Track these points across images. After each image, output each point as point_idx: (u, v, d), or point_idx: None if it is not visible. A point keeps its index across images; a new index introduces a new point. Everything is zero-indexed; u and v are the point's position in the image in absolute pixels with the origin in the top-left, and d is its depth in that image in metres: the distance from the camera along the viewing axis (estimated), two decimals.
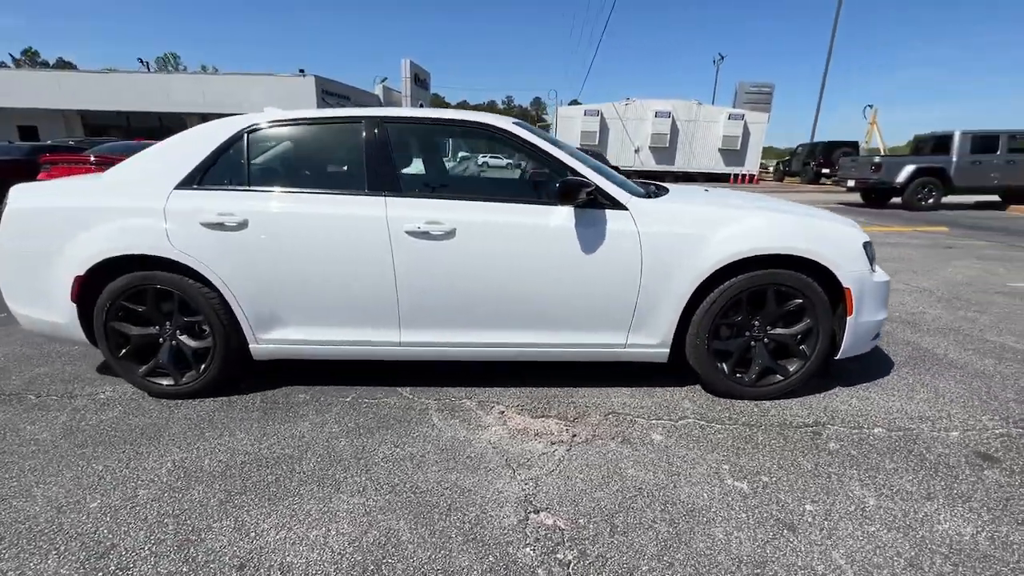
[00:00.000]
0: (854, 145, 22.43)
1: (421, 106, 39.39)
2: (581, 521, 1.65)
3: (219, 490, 1.80)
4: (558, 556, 1.51)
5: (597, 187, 2.21)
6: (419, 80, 37.36)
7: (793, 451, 2.04)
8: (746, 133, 26.30)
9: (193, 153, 2.33)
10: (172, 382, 2.44)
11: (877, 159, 12.44)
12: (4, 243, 2.35)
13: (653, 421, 2.27)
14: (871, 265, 2.36)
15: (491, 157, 18.21)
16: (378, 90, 33.06)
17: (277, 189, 2.30)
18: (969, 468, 1.92)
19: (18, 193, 2.37)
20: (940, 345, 3.15)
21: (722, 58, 44.34)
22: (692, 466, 1.94)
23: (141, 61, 44.34)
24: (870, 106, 29.33)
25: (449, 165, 2.24)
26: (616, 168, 4.35)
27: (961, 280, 4.84)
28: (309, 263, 2.26)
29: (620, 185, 2.38)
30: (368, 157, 2.30)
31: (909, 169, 11.54)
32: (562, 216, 2.24)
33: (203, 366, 2.42)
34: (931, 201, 11.53)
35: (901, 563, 1.48)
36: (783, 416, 2.31)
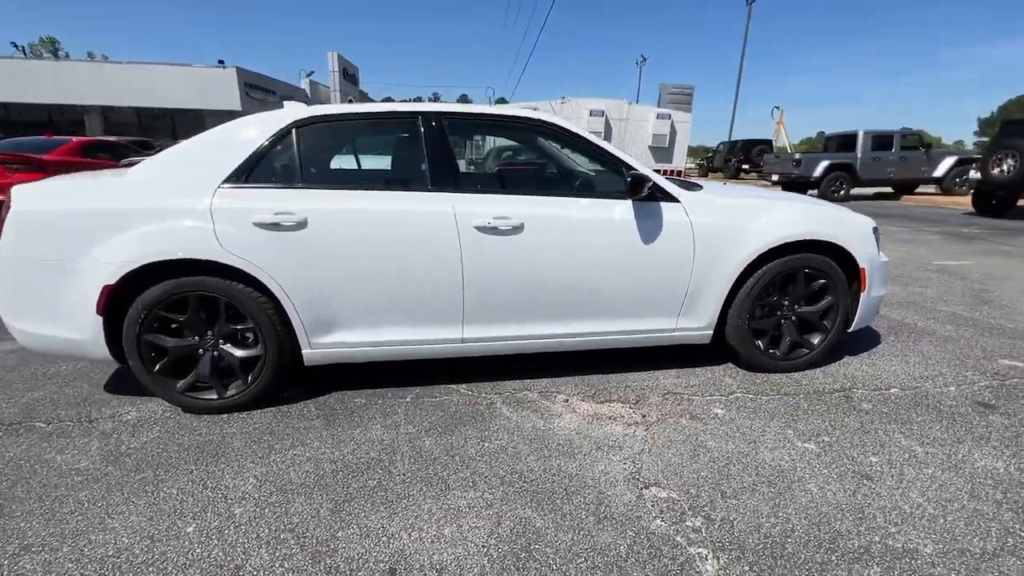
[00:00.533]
0: (768, 143, 24.53)
1: (350, 101, 37.93)
2: (692, 491, 1.78)
3: (324, 500, 1.73)
4: (687, 524, 1.62)
5: (655, 182, 2.34)
6: (348, 74, 35.90)
7: (836, 413, 2.30)
8: (673, 131, 27.82)
9: (237, 149, 2.17)
10: (216, 396, 2.26)
11: (797, 156, 13.80)
12: (6, 252, 2.06)
13: (708, 398, 2.45)
14: (878, 247, 2.69)
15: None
16: (304, 84, 31.43)
17: (336, 186, 2.20)
18: (977, 415, 2.28)
19: (24, 195, 2.08)
20: (908, 317, 3.63)
21: (644, 60, 46.71)
22: (761, 434, 2.13)
23: (15, 45, 38.71)
24: (777, 107, 32.37)
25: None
26: None
27: (896, 260, 5.55)
28: (373, 263, 2.19)
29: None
30: (429, 153, 2.26)
31: (824, 164, 12.91)
32: (622, 209, 2.34)
33: (251, 376, 2.27)
34: (843, 193, 12.98)
35: (964, 496, 1.74)
36: (814, 385, 2.58)
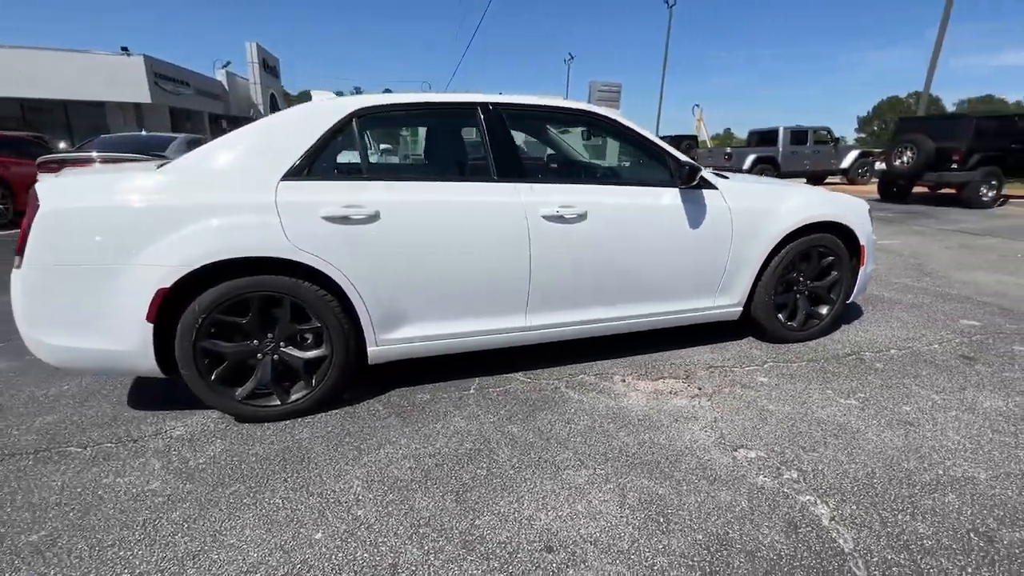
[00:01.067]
0: (693, 138, 26.18)
1: (272, 96, 35.58)
2: (775, 449, 1.96)
3: (443, 492, 1.71)
4: (786, 477, 1.79)
5: (703, 171, 2.51)
6: (268, 66, 33.70)
7: (859, 373, 2.60)
8: None
9: (297, 140, 2.05)
10: (279, 402, 2.14)
11: (729, 150, 14.92)
12: (37, 256, 1.82)
13: (747, 368, 2.67)
14: (872, 226, 3.05)
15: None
16: (220, 75, 29.03)
17: (402, 177, 2.15)
18: (965, 366, 2.68)
19: (53, 192, 1.84)
20: (873, 289, 4.13)
21: (572, 58, 48.00)
22: (808, 395, 2.37)
23: None
24: (697, 105, 34.60)
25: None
26: None
27: None
28: (443, 255, 2.17)
29: None
30: (492, 144, 2.27)
31: (751, 158, 14.06)
32: (671, 196, 2.49)
33: (316, 379, 2.16)
34: None
35: (988, 431, 2.06)
36: (829, 351, 2.89)
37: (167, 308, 1.93)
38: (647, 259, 2.49)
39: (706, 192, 2.56)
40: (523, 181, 2.28)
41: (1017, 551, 1.45)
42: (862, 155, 15.11)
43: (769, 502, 1.66)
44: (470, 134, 2.31)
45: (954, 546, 1.48)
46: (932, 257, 5.38)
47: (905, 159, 10.16)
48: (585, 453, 1.93)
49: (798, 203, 2.75)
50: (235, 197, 1.95)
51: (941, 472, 1.81)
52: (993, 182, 9.72)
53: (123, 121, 20.29)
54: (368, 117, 2.17)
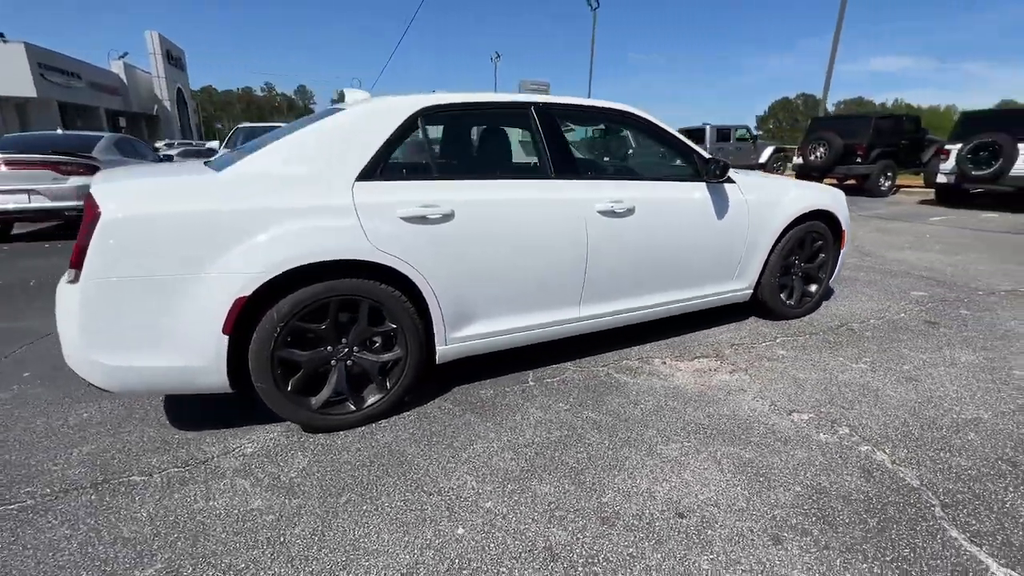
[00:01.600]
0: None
1: (179, 90, 32.57)
2: (822, 410, 2.22)
3: (558, 477, 1.78)
4: (841, 432, 2.05)
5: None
6: (172, 58, 30.83)
7: (856, 341, 2.97)
8: None
9: (368, 140, 2.01)
10: (354, 407, 2.08)
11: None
12: (99, 268, 1.65)
13: (765, 344, 2.96)
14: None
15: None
16: (116, 67, 26.13)
17: (470, 176, 2.16)
18: (932, 330, 3.15)
19: (113, 198, 1.68)
20: None
21: (498, 56, 48.33)
22: (826, 363, 2.69)
23: None
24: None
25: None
26: None
27: None
28: (511, 251, 2.22)
29: None
30: (548, 143, 2.34)
31: None
32: (701, 190, 2.70)
33: (391, 382, 2.13)
34: None
35: (974, 380, 2.47)
36: (823, 325, 3.27)
37: (242, 319, 1.83)
38: (683, 249, 2.69)
39: (727, 186, 2.81)
40: (578, 178, 2.38)
41: None
42: (776, 151, 16.68)
43: (839, 455, 1.90)
44: (524, 133, 2.37)
45: (992, 472, 1.79)
46: (863, 240, 6.14)
47: (819, 154, 11.39)
48: (666, 430, 2.08)
49: (797, 194, 3.08)
50: (314, 200, 1.88)
51: (955, 416, 2.16)
52: (889, 173, 11.18)
53: (2, 121, 17.69)
54: (432, 116, 2.17)
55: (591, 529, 1.55)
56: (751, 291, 3.10)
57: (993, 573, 1.38)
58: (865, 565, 1.41)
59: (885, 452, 1.92)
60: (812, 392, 2.38)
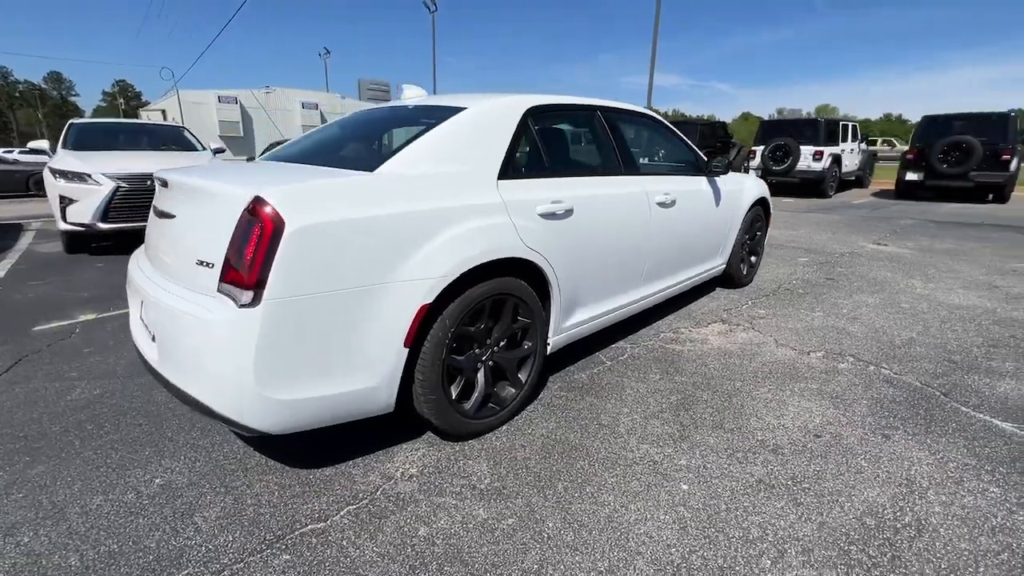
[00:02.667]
0: None
1: None
2: (825, 348, 2.90)
3: (708, 430, 2.07)
4: (848, 360, 2.73)
5: None
6: None
7: (800, 297, 3.84)
8: None
9: (499, 138, 2.00)
10: (499, 407, 2.06)
11: None
12: (284, 287, 1.40)
13: (746, 307, 3.63)
14: None
15: None
16: None
17: (573, 173, 2.28)
18: (834, 282, 4.21)
19: (295, 205, 1.43)
20: None
21: (328, 53, 45.30)
22: (796, 315, 3.44)
23: None
24: None
25: None
26: None
27: None
28: (609, 242, 2.41)
29: None
30: (616, 142, 2.57)
31: None
32: (705, 182, 3.22)
33: (524, 376, 2.16)
34: None
35: (884, 312, 3.44)
36: (768, 288, 4.11)
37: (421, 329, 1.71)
38: (700, 232, 3.18)
39: (717, 179, 3.39)
40: (637, 174, 2.67)
41: (1006, 351, 2.68)
42: None
43: (863, 375, 2.56)
44: (600, 133, 2.56)
45: (948, 367, 2.62)
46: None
47: (776, 158, 11.94)
48: (747, 380, 2.52)
49: (751, 184, 3.84)
50: (473, 198, 1.83)
51: (899, 338, 3.03)
52: (835, 174, 12.40)
53: None
54: (535, 115, 2.23)
55: (774, 460, 1.88)
56: (725, 265, 3.77)
57: (996, 424, 2.10)
58: (943, 439, 2.00)
59: (886, 368, 2.64)
60: (807, 337, 3.07)
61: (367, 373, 1.62)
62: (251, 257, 1.40)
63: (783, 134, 11.21)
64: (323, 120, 25.88)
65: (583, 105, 2.55)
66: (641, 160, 3.02)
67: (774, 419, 2.16)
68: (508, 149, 2.04)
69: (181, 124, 7.50)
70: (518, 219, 1.96)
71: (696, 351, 2.87)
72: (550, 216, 2.09)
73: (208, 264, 1.50)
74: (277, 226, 1.40)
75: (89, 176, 5.03)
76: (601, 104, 2.64)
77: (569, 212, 2.18)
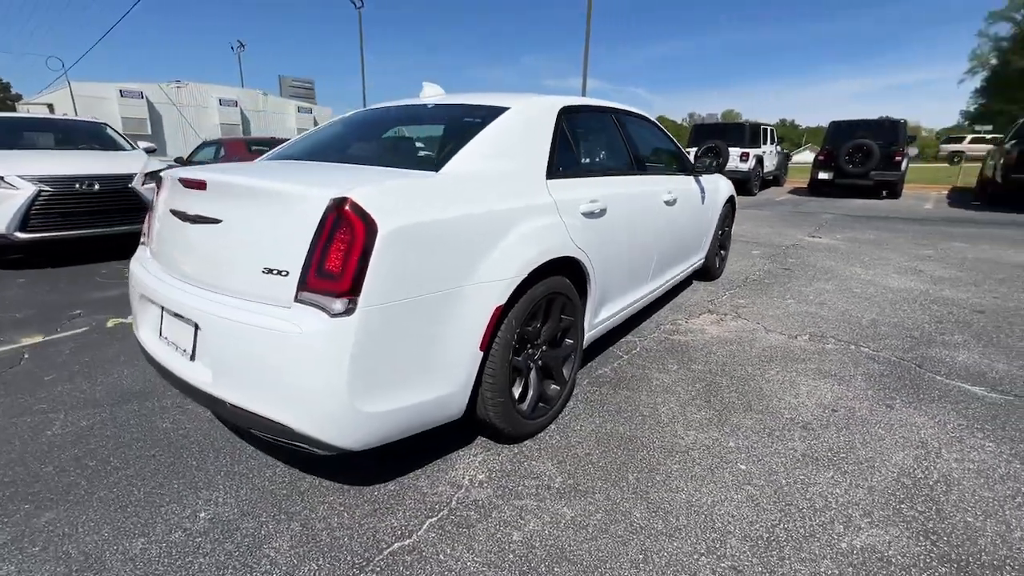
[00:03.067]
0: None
1: None
2: (808, 332, 3.18)
3: (740, 412, 2.21)
4: (831, 342, 3.02)
5: None
6: None
7: (768, 286, 4.17)
8: (317, 125, 27.41)
9: (543, 139, 2.01)
10: (547, 406, 2.06)
11: None
12: (379, 294, 1.33)
13: (726, 297, 3.89)
14: None
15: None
16: None
17: (603, 173, 2.34)
18: (792, 272, 4.61)
19: (386, 207, 1.35)
20: None
21: (242, 46, 42.20)
22: (772, 303, 3.74)
23: None
24: None
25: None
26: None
27: None
28: (630, 238, 2.49)
29: None
30: (627, 143, 2.65)
31: None
32: (693, 181, 3.40)
33: (568, 376, 2.17)
34: None
35: (844, 297, 3.84)
36: (737, 280, 4.42)
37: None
38: (692, 228, 3.37)
39: (701, 178, 3.60)
40: (647, 174, 2.78)
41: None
42: None
43: (849, 354, 2.84)
44: (614, 134, 2.62)
45: (913, 343, 2.97)
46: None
47: (709, 159, 12.76)
48: (755, 364, 2.71)
49: (723, 184, 4.11)
50: (530, 198, 1.83)
51: (864, 319, 3.40)
52: (758, 173, 13.45)
53: None
54: (568, 116, 2.25)
55: (808, 435, 2.04)
56: (704, 259, 4.02)
57: (968, 388, 2.43)
58: (934, 405, 2.28)
59: (864, 347, 2.95)
60: (788, 322, 3.36)
61: (444, 380, 1.57)
62: (343, 262, 1.31)
63: (713, 137, 12.06)
64: (244, 117, 24.15)
65: (602, 107, 2.61)
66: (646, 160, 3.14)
67: (792, 398, 2.35)
68: (551, 149, 2.05)
69: (95, 119, 6.69)
70: (567, 218, 1.98)
71: (699, 341, 3.04)
72: (590, 215, 2.13)
73: (280, 272, 1.38)
74: (370, 228, 1.32)
75: (1, 179, 4.36)
76: (613, 106, 2.72)
77: (603, 211, 2.23)
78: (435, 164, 1.70)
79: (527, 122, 2.02)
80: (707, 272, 4.22)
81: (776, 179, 14.47)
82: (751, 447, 1.97)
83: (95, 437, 2.02)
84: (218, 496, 1.68)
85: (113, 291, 4.07)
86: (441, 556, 1.45)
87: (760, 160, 12.17)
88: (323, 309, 1.31)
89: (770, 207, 9.92)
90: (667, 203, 2.88)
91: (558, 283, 1.96)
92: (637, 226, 2.56)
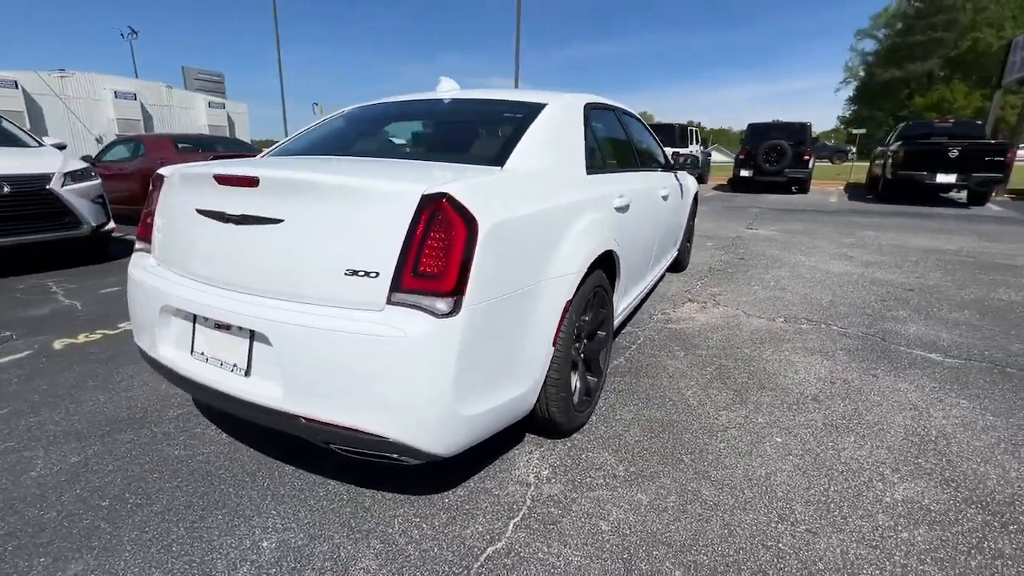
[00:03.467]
0: None
1: None
2: (782, 314, 3.48)
3: (758, 391, 2.38)
4: (804, 323, 3.33)
5: None
6: None
7: (731, 276, 4.49)
8: (231, 122, 25.30)
9: (579, 135, 2.04)
10: (589, 398, 2.09)
11: None
12: (482, 293, 1.29)
13: (699, 286, 4.14)
14: None
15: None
16: None
17: (621, 169, 2.40)
18: (747, 262, 5.00)
19: (483, 202, 1.31)
20: None
21: (134, 33, 37.97)
22: (742, 290, 4.04)
23: None
24: (316, 104, 34.58)
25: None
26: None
27: None
28: (644, 233, 2.59)
29: None
30: (633, 139, 2.75)
31: None
32: (674, 177, 3.59)
33: (603, 367, 2.22)
34: None
35: (799, 281, 4.24)
36: (703, 271, 4.72)
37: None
38: (675, 222, 3.55)
39: (676, 173, 3.80)
40: (648, 169, 2.90)
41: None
42: None
43: (824, 333, 3.15)
44: (619, 131, 2.70)
45: (871, 318, 3.36)
46: None
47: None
48: (750, 346, 2.92)
49: (690, 181, 4.36)
50: (580, 194, 1.85)
51: (823, 300, 3.77)
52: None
53: None
54: (590, 113, 2.29)
55: (820, 406, 2.24)
56: (678, 251, 4.25)
57: (927, 355, 2.79)
58: (907, 371, 2.59)
59: (833, 325, 3.28)
60: (763, 307, 3.65)
61: (524, 377, 1.56)
62: (444, 261, 1.26)
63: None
64: (145, 112, 21.74)
65: (610, 104, 2.69)
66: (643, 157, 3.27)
67: (794, 374, 2.57)
68: (585, 145, 2.09)
69: None
70: (605, 213, 2.03)
71: (693, 328, 3.23)
72: (620, 210, 2.20)
73: (369, 273, 1.29)
74: (471, 225, 1.28)
75: None
76: (615, 105, 2.80)
77: (628, 206, 2.30)
78: (494, 160, 1.67)
79: (565, 118, 2.03)
80: (678, 263, 4.47)
81: (701, 176, 15.56)
82: (778, 421, 2.13)
83: (94, 473, 1.77)
84: (275, 522, 1.54)
85: (42, 308, 3.54)
86: (539, 555, 1.43)
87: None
88: (426, 310, 1.25)
89: (704, 203, 10.64)
90: (663, 198, 3.03)
91: (600, 276, 2.00)
92: (647, 220, 2.67)
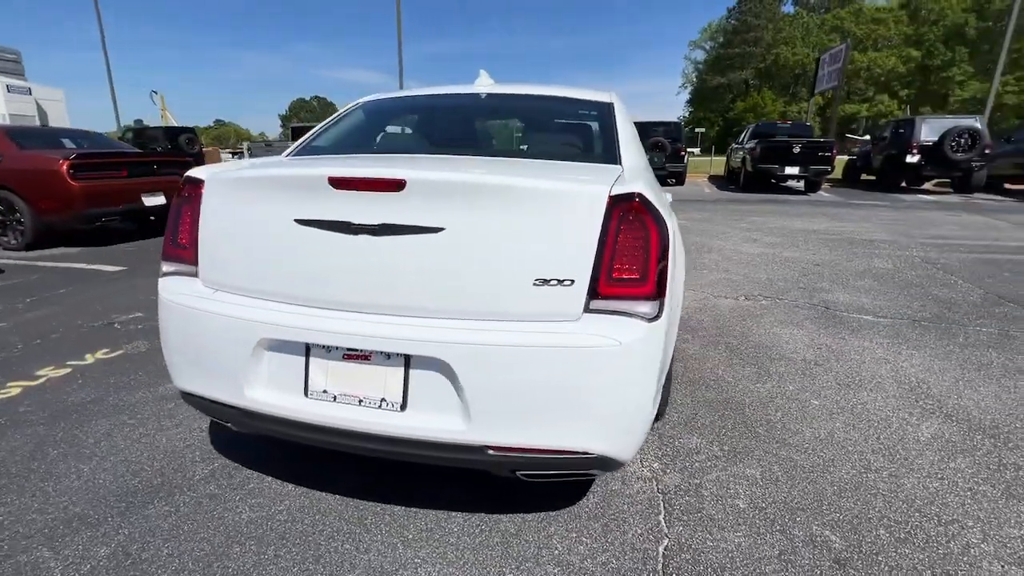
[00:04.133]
0: (191, 130, 22.95)
1: None
2: (767, 294, 3.92)
3: (776, 365, 2.67)
4: (763, 303, 3.80)
5: None
6: None
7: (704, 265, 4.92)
8: (43, 112, 20.34)
9: (635, 132, 2.05)
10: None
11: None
12: (672, 292, 1.28)
13: None
14: None
15: None
16: None
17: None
18: (714, 242, 5.51)
19: (657, 201, 1.29)
20: None
21: None
22: (699, 275, 4.46)
23: None
24: (155, 92, 29.76)
25: None
26: None
27: None
28: None
29: None
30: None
31: None
32: None
33: None
34: None
35: (771, 264, 4.81)
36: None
37: None
38: None
39: None
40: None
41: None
42: None
43: (780, 306, 3.63)
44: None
45: (806, 281, 3.95)
46: None
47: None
48: (740, 323, 3.25)
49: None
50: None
51: (764, 270, 4.34)
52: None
53: None
54: None
55: (827, 371, 2.60)
56: None
57: (864, 317, 3.38)
58: (862, 332, 3.12)
59: (782, 299, 3.79)
60: (722, 288, 4.08)
61: (664, 377, 1.57)
62: (642, 264, 1.22)
63: None
64: (41, 112, 16.74)
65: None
66: None
67: (786, 344, 2.93)
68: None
69: None
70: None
71: (684, 312, 3.49)
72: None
73: (563, 281, 1.20)
74: (661, 226, 1.26)
75: None
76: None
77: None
78: (609, 158, 1.65)
79: (628, 115, 2.07)
80: None
81: None
82: (805, 387, 2.43)
83: (149, 563, 1.37)
84: (428, 570, 1.36)
85: None
86: (708, 543, 1.47)
87: None
88: (634, 316, 1.20)
89: None
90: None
91: None
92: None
